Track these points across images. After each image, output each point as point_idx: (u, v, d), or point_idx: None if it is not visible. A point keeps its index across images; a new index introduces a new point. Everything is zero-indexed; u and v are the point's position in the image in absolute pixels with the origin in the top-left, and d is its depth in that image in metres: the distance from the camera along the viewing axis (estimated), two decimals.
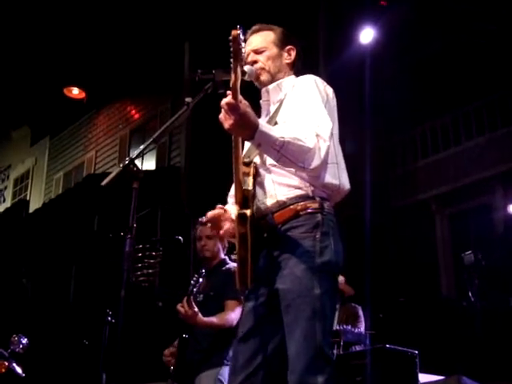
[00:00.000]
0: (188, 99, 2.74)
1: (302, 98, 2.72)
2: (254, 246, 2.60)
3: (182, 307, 3.90)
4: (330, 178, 2.65)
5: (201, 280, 3.90)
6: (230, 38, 2.36)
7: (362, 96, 9.00)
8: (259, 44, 2.92)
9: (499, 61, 9.47)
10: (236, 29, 2.35)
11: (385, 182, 9.80)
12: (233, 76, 2.42)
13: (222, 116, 2.45)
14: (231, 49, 2.38)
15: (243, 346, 2.66)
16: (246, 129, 2.45)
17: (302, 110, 2.66)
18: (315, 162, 2.53)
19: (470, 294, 5.41)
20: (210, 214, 2.79)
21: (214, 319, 3.97)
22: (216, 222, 2.78)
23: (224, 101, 2.42)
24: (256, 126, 2.44)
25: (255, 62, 2.89)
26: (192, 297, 3.85)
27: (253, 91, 2.89)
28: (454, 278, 9.16)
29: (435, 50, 9.87)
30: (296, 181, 2.63)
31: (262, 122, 2.51)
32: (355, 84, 9.17)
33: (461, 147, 10.02)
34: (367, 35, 8.70)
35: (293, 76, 2.92)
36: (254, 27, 2.98)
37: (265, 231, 2.62)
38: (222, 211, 2.79)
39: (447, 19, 9.51)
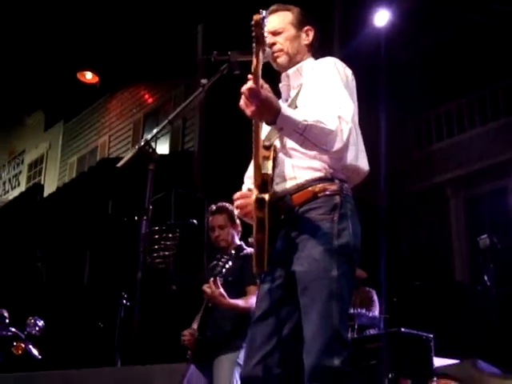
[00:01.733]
0: (203, 81, 2.73)
1: (322, 81, 2.70)
2: (271, 229, 2.58)
3: (208, 288, 3.93)
4: (350, 159, 2.63)
5: (230, 263, 3.92)
6: (253, 22, 2.34)
7: (376, 79, 8.93)
8: (277, 25, 2.88)
9: None
10: (258, 13, 2.33)
11: (399, 166, 9.75)
12: (254, 61, 2.39)
13: (242, 102, 2.43)
14: (253, 33, 2.36)
15: (259, 327, 2.65)
16: (268, 114, 2.43)
17: (323, 93, 2.64)
18: (338, 145, 2.51)
19: (485, 278, 5.37)
20: (240, 201, 2.76)
21: (239, 301, 3.99)
22: (243, 206, 2.76)
23: (245, 87, 2.39)
24: (278, 111, 2.42)
25: (273, 44, 2.85)
26: (219, 277, 3.88)
27: (272, 75, 2.86)
28: (469, 263, 9.13)
29: (450, 32, 9.76)
30: (316, 163, 2.62)
31: (284, 106, 2.49)
32: (370, 67, 9.09)
33: (476, 131, 9.95)
34: (382, 18, 8.62)
35: (311, 58, 2.89)
36: (272, 7, 2.94)
37: (282, 213, 2.61)
38: (248, 193, 2.77)
39: (462, 0, 9.40)
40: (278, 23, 2.89)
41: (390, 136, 9.12)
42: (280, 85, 2.92)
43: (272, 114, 2.42)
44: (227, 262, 3.91)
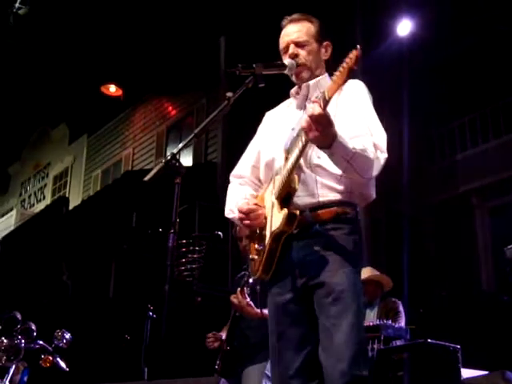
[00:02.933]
0: (229, 94, 2.75)
1: (358, 107, 2.75)
2: (285, 239, 2.67)
3: (235, 298, 3.95)
4: (370, 188, 2.76)
5: None
6: (351, 56, 2.36)
7: (399, 89, 8.91)
8: (301, 37, 2.90)
9: None
10: (357, 49, 2.36)
11: (423, 176, 9.70)
12: (333, 87, 2.41)
13: (306, 125, 2.46)
14: (346, 65, 2.37)
15: (284, 344, 2.70)
16: (326, 140, 2.49)
17: (360, 119, 2.71)
18: (374, 173, 2.63)
19: None
20: (248, 211, 2.77)
21: (266, 311, 4.00)
22: (255, 219, 2.77)
23: (314, 111, 2.43)
24: (335, 137, 2.48)
25: (296, 55, 2.87)
26: (246, 287, 3.90)
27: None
28: (494, 273, 9.04)
29: (473, 42, 9.72)
30: (339, 185, 2.69)
31: (339, 133, 2.52)
32: (392, 77, 9.08)
33: (500, 140, 9.88)
34: (405, 27, 8.61)
35: (326, 74, 2.92)
36: (294, 16, 2.96)
37: (298, 226, 2.64)
38: (255, 207, 2.78)
39: (484, 10, 9.35)
40: (302, 34, 2.90)
41: (412, 146, 9.08)
42: (297, 94, 2.96)
43: (330, 140, 2.48)
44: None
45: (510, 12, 8.91)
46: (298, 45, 2.88)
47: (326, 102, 2.43)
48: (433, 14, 8.83)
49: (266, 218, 2.75)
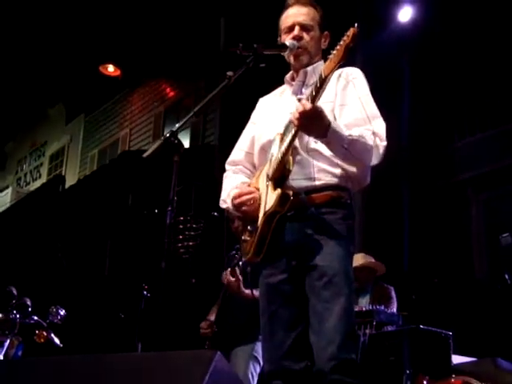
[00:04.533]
0: (229, 73, 2.75)
1: (356, 94, 2.78)
2: (278, 221, 2.68)
3: (226, 275, 3.98)
4: (365, 173, 2.78)
5: None
6: (348, 34, 2.36)
7: (400, 76, 8.90)
8: (308, 20, 2.90)
9: None
10: (354, 27, 2.37)
11: (421, 162, 9.71)
12: (330, 65, 2.42)
13: (295, 120, 2.49)
14: (343, 42, 2.37)
15: (276, 324, 2.73)
16: (320, 130, 2.53)
17: (358, 108, 2.73)
18: (375, 161, 2.67)
19: (506, 277, 5.34)
20: (246, 197, 2.79)
21: (255, 292, 4.02)
22: (250, 202, 2.79)
23: (303, 106, 2.45)
24: (330, 126, 2.49)
25: (301, 38, 2.87)
26: (237, 267, 3.92)
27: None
28: (487, 261, 9.08)
29: (474, 29, 9.69)
30: (336, 170, 2.71)
31: (332, 121, 2.53)
32: (392, 64, 9.06)
33: (497, 130, 9.87)
34: (406, 14, 8.58)
35: (322, 61, 2.93)
36: None
37: (293, 209, 2.66)
38: (250, 189, 2.79)
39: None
40: (309, 18, 2.90)
41: (412, 134, 9.08)
42: (287, 77, 3.01)
43: (323, 130, 2.51)
44: None
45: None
46: (303, 28, 2.88)
47: (317, 93, 2.43)
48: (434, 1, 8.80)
49: (259, 202, 2.76)
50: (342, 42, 2.36)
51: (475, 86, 9.99)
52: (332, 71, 2.41)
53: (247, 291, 3.96)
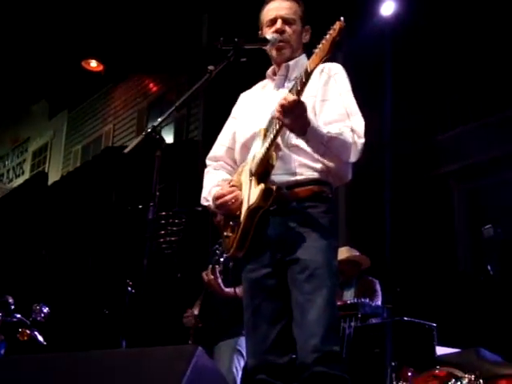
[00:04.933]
0: (210, 67, 2.74)
1: (336, 92, 2.78)
2: (260, 216, 2.69)
3: (206, 275, 3.98)
4: (346, 169, 2.79)
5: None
6: (335, 27, 2.36)
7: (382, 70, 8.92)
8: (290, 14, 2.90)
9: None
10: (340, 20, 2.37)
11: (404, 155, 9.74)
12: (315, 59, 2.42)
13: (278, 114, 2.49)
14: (330, 36, 2.36)
15: (259, 317, 2.74)
16: (300, 127, 2.53)
17: (338, 105, 2.74)
18: (353, 158, 2.68)
19: (488, 268, 5.39)
20: (230, 196, 2.78)
21: (237, 289, 4.02)
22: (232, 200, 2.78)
23: (287, 100, 2.44)
24: (309, 124, 2.51)
25: (283, 31, 2.87)
26: (217, 265, 3.92)
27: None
28: (471, 254, 9.14)
29: (456, 24, 9.72)
30: (317, 165, 2.72)
31: (312, 119, 2.54)
32: (374, 58, 9.08)
33: (479, 123, 9.93)
34: (388, 7, 8.59)
35: (304, 55, 2.95)
36: None
37: (275, 203, 2.67)
38: (232, 196, 2.78)
39: None
40: (292, 12, 2.90)
41: (394, 127, 9.11)
42: (268, 72, 3.02)
43: (305, 127, 2.52)
44: (223, 252, 3.94)
45: None
46: (286, 21, 2.88)
47: (302, 86, 2.43)
48: None
49: (242, 198, 2.76)
50: (328, 36, 2.36)
51: (457, 80, 10.04)
52: (317, 65, 2.41)
53: (228, 289, 3.97)
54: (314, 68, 2.42)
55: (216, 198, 2.79)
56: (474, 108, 10.06)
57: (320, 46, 2.39)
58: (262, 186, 2.62)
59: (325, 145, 2.57)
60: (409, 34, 9.30)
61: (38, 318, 4.67)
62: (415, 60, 9.58)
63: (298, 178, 2.71)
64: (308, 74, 2.42)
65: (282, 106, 2.45)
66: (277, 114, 2.49)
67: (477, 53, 9.51)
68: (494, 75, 9.58)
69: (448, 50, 9.74)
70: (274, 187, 2.64)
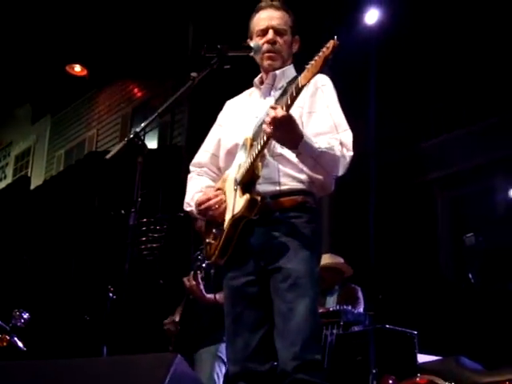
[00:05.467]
0: (193, 74, 2.75)
1: (324, 104, 2.79)
2: (243, 225, 2.70)
3: (188, 280, 3.98)
4: (330, 180, 2.78)
5: None
6: (328, 46, 2.37)
7: (366, 78, 8.96)
8: (282, 25, 2.91)
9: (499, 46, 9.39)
10: (334, 39, 2.38)
11: (388, 163, 9.79)
12: (307, 75, 2.42)
13: (268, 128, 2.49)
14: (322, 54, 2.37)
15: (240, 325, 2.74)
16: (293, 140, 2.54)
17: (326, 117, 2.75)
18: (341, 171, 2.69)
19: (470, 276, 5.42)
20: (214, 201, 2.79)
21: (217, 296, 4.02)
22: (216, 206, 2.78)
23: (277, 114, 2.45)
24: (301, 137, 2.51)
25: (275, 42, 2.88)
26: (198, 272, 3.92)
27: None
28: (453, 262, 9.18)
29: (440, 32, 9.79)
30: (301, 175, 2.73)
31: (304, 133, 2.56)
32: (358, 67, 9.12)
33: (464, 131, 9.99)
34: (372, 16, 8.62)
35: (292, 65, 2.97)
36: (275, 2, 2.97)
37: (258, 213, 2.68)
38: (216, 200, 2.78)
39: None
40: (283, 23, 2.92)
41: (378, 134, 9.15)
42: (255, 80, 3.01)
43: (296, 140, 2.53)
44: (205, 258, 3.94)
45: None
46: (277, 32, 2.90)
47: (292, 101, 2.44)
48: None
49: (225, 205, 2.76)
50: (321, 54, 2.38)
51: (441, 88, 10.11)
52: (309, 81, 2.42)
53: (209, 296, 3.96)
54: (305, 84, 2.43)
55: (199, 204, 2.78)
56: (457, 116, 10.13)
57: (313, 62, 2.40)
58: (247, 196, 2.62)
59: (315, 159, 2.58)
60: (393, 43, 9.35)
61: (18, 324, 4.63)
62: (399, 68, 9.63)
63: (282, 187, 2.72)
64: (299, 89, 2.44)
65: (273, 120, 2.45)
66: (267, 130, 2.49)
67: (460, 61, 9.58)
68: (478, 83, 9.65)
69: (432, 59, 9.81)
70: (259, 198, 2.64)
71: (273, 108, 2.50)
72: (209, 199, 2.76)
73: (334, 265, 6.04)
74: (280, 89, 2.86)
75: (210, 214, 2.77)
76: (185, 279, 4.01)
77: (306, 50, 2.51)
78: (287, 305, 2.59)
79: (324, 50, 2.37)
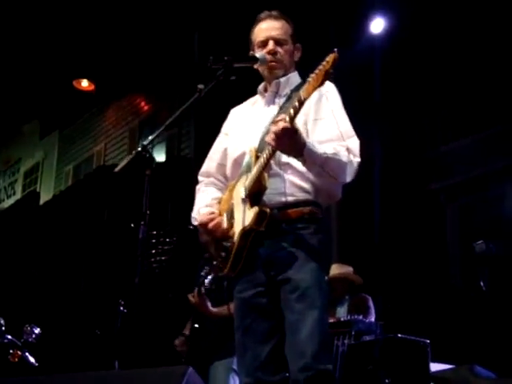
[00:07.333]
0: (200, 86, 2.76)
1: (330, 111, 2.80)
2: (254, 237, 2.70)
3: (192, 297, 3.98)
4: (337, 188, 2.80)
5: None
6: (328, 60, 2.38)
7: (372, 87, 8.97)
8: (282, 35, 2.93)
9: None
10: (334, 52, 2.39)
11: (395, 172, 9.77)
12: (309, 88, 2.43)
13: (271, 140, 2.50)
14: (323, 67, 2.38)
15: (250, 336, 2.75)
16: (296, 149, 2.54)
17: (332, 124, 2.75)
18: (349, 178, 2.69)
19: (481, 284, 5.39)
20: (208, 228, 2.82)
21: (222, 310, 4.02)
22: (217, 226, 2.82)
23: (280, 126, 2.45)
24: (305, 144, 2.51)
25: (275, 52, 2.90)
26: (203, 287, 3.92)
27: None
28: (462, 270, 9.14)
29: (445, 41, 9.79)
30: (307, 185, 2.74)
31: (307, 140, 2.56)
32: (365, 75, 9.13)
33: (470, 139, 9.96)
34: (378, 25, 8.64)
35: (296, 72, 2.99)
36: (274, 12, 2.98)
37: (266, 224, 2.67)
38: (214, 225, 2.81)
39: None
40: (283, 33, 2.93)
41: (384, 144, 9.14)
42: (260, 88, 3.02)
43: (299, 149, 2.53)
44: (209, 272, 3.96)
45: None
46: (277, 42, 2.91)
47: (296, 112, 2.45)
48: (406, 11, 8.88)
49: (226, 223, 2.79)
50: (321, 67, 2.38)
51: (449, 96, 10.10)
52: (310, 94, 2.43)
53: (215, 309, 3.98)
54: (307, 97, 2.43)
55: (200, 225, 2.83)
56: (465, 124, 10.11)
57: (313, 75, 2.40)
58: (256, 208, 2.62)
59: (320, 165, 2.58)
60: (399, 51, 9.36)
61: (30, 339, 4.64)
62: (405, 76, 9.63)
63: (289, 199, 2.73)
64: (301, 103, 2.44)
65: (276, 133, 2.46)
66: (272, 143, 2.49)
67: (468, 69, 9.58)
68: (486, 91, 9.65)
69: (438, 66, 9.81)
70: (268, 210, 2.64)
71: (275, 122, 2.51)
72: (206, 224, 2.81)
73: (343, 275, 6.02)
74: (284, 96, 2.87)
75: (213, 234, 2.83)
76: (189, 296, 4.02)
77: (314, 58, 2.51)
78: (296, 316, 2.59)
79: (324, 63, 2.38)
